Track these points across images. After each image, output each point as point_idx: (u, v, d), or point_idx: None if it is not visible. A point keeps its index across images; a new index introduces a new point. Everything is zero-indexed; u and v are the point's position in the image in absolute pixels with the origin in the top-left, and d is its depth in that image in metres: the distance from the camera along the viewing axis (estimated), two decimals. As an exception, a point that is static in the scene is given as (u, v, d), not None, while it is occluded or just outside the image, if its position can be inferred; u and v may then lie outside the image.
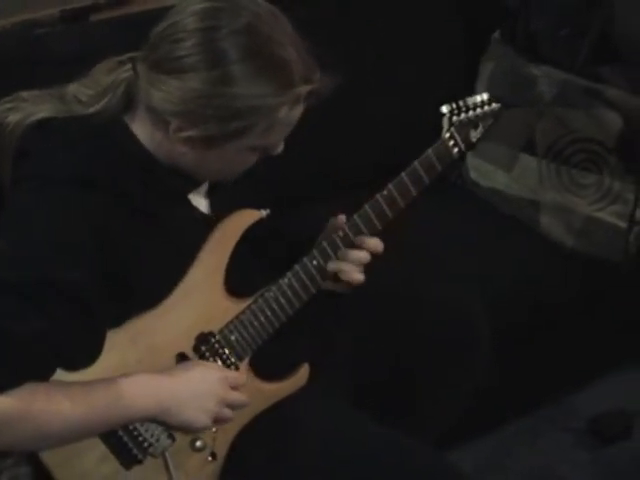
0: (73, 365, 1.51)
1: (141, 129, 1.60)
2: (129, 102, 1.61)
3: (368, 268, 1.82)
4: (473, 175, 2.77)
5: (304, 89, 1.57)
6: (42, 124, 1.59)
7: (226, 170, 1.68)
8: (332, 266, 1.77)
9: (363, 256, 1.78)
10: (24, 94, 1.64)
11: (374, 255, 1.80)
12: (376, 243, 1.80)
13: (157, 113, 1.55)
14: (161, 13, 2.39)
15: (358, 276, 1.79)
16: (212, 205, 1.74)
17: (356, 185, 1.81)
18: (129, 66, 1.61)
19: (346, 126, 2.50)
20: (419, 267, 2.38)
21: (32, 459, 1.53)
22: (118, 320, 1.57)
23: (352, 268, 1.78)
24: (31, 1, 2.46)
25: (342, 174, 2.62)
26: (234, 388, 1.66)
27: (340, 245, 1.77)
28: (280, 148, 1.67)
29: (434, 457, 1.76)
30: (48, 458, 1.52)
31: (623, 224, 2.50)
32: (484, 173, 2.74)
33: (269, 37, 1.53)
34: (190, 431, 1.64)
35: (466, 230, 2.57)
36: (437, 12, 2.86)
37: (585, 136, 2.52)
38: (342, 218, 1.79)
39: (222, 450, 1.71)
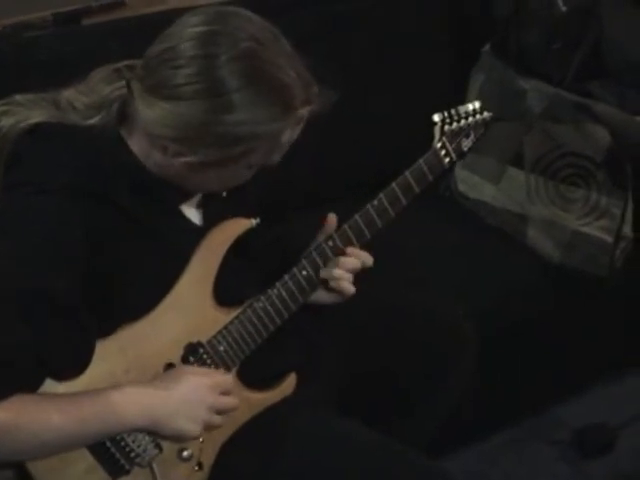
0: (62, 375, 1.50)
1: (137, 145, 1.58)
2: (125, 117, 1.59)
3: (356, 279, 1.83)
4: (461, 187, 2.78)
5: (305, 111, 1.56)
6: (35, 129, 1.57)
7: (221, 185, 1.68)
8: (324, 274, 1.77)
9: (353, 262, 1.78)
10: (18, 97, 1.62)
11: (363, 269, 1.81)
12: (367, 256, 1.80)
13: (153, 137, 1.54)
14: (153, 18, 2.43)
15: (349, 286, 1.79)
16: (205, 216, 1.73)
17: (347, 195, 1.81)
18: (122, 83, 1.59)
19: (337, 138, 2.51)
20: (406, 277, 2.39)
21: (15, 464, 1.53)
22: (107, 330, 1.56)
23: (343, 275, 1.77)
24: (23, 4, 2.46)
25: (333, 185, 2.62)
26: (224, 393, 1.66)
27: (330, 255, 1.77)
28: (277, 159, 1.65)
29: (426, 462, 1.77)
30: (35, 469, 1.51)
31: (609, 239, 2.51)
32: (472, 185, 2.75)
33: (269, 61, 1.50)
34: (181, 440, 1.64)
35: (453, 242, 2.58)
36: (428, 25, 2.86)
37: (573, 151, 2.53)
38: (332, 218, 1.79)
39: (209, 460, 1.70)
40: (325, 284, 1.79)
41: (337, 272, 1.77)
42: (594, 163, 2.49)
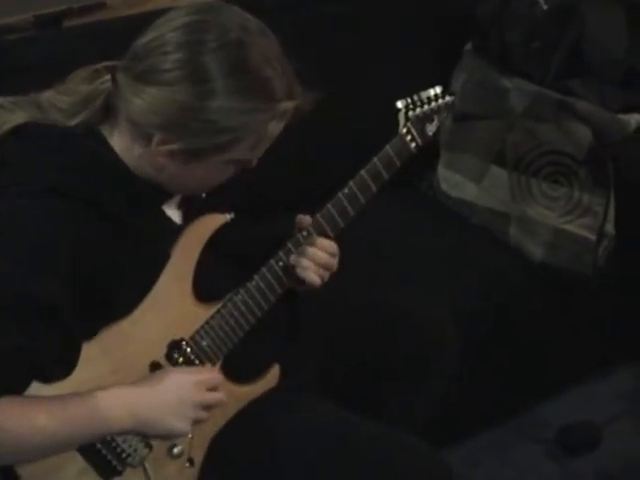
0: (48, 377, 1.50)
1: (119, 141, 1.59)
2: (108, 113, 1.59)
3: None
4: (444, 186, 2.78)
5: (289, 104, 1.57)
6: (19, 131, 1.57)
7: (202, 184, 1.67)
8: (292, 259, 1.77)
9: (319, 255, 1.78)
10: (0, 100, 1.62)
11: (333, 256, 1.81)
12: (330, 244, 1.80)
13: (139, 125, 1.54)
14: (134, 19, 2.43)
15: (313, 276, 1.77)
16: (185, 216, 1.74)
17: (325, 192, 1.82)
18: (108, 77, 1.59)
19: (318, 137, 2.51)
20: (388, 277, 2.39)
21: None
22: (91, 332, 1.56)
23: (309, 265, 1.77)
24: (3, 6, 2.45)
25: (314, 182, 2.62)
26: (211, 389, 1.66)
27: (304, 245, 1.78)
28: (254, 162, 1.66)
29: (421, 447, 1.79)
30: (25, 472, 1.51)
31: (592, 237, 2.52)
32: (454, 184, 2.75)
33: (255, 53, 1.52)
34: (170, 438, 1.64)
35: (436, 241, 2.58)
36: (409, 24, 2.87)
37: (555, 149, 2.54)
38: (307, 219, 1.79)
39: (199, 455, 1.71)
40: (292, 270, 1.78)
41: (304, 262, 1.76)
42: (576, 161, 2.50)
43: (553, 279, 2.54)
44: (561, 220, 2.53)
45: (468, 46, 2.80)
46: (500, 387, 2.53)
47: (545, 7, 2.61)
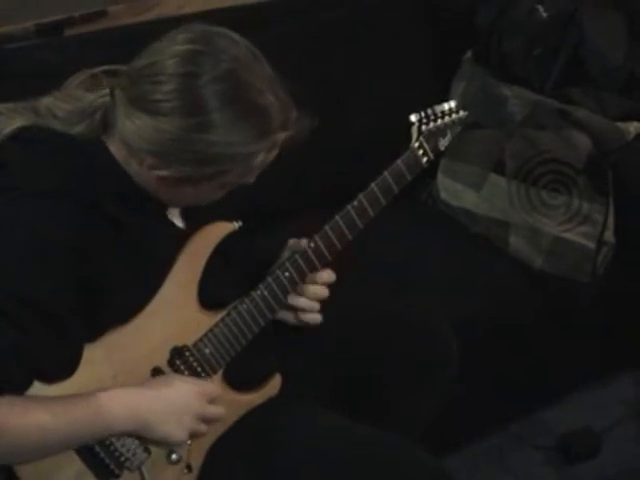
0: (49, 377, 1.50)
1: (117, 154, 1.59)
2: (106, 127, 1.60)
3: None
4: (443, 195, 2.78)
5: (281, 136, 1.57)
6: (18, 135, 1.57)
7: (197, 202, 1.68)
8: (293, 301, 1.81)
9: (320, 291, 1.83)
10: None
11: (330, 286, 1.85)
12: (329, 275, 1.84)
13: (131, 147, 1.55)
14: (136, 28, 2.43)
15: (317, 317, 1.84)
16: (188, 222, 1.74)
17: (329, 200, 1.82)
18: (106, 91, 1.60)
19: (319, 144, 2.51)
20: (389, 285, 2.39)
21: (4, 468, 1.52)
22: (93, 334, 1.56)
23: (312, 306, 1.83)
24: (5, 14, 2.45)
25: (316, 190, 2.63)
26: (211, 402, 1.67)
27: (312, 257, 1.78)
28: (252, 179, 1.67)
29: (420, 453, 1.78)
30: (23, 473, 1.51)
31: (591, 245, 2.52)
32: (454, 193, 2.75)
33: (248, 84, 1.52)
34: (166, 445, 1.64)
35: (436, 249, 2.59)
36: (409, 33, 2.87)
37: (554, 157, 2.54)
38: (303, 242, 1.80)
39: (197, 462, 1.71)
40: (294, 312, 1.85)
41: (306, 303, 1.83)
42: (575, 169, 2.50)
43: (553, 287, 2.54)
44: (560, 228, 2.53)
45: (468, 54, 2.81)
46: (500, 394, 2.54)
47: (544, 15, 2.62)
